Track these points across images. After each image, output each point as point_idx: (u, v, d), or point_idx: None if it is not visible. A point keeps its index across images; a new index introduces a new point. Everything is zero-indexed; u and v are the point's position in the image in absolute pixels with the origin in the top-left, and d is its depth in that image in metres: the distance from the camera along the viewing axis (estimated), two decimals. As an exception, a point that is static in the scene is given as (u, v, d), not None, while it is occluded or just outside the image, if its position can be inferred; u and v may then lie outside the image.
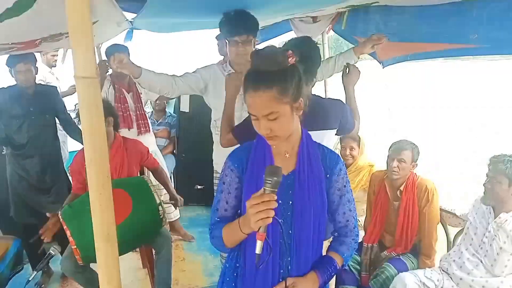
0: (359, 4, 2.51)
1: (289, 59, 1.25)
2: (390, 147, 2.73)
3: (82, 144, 2.83)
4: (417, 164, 2.68)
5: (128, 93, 3.62)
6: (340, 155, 3.37)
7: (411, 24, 2.30)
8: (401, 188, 2.68)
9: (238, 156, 1.45)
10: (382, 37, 2.34)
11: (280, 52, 1.26)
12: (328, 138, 2.18)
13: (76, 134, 3.30)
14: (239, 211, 1.47)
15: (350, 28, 2.87)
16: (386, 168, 2.75)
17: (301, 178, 1.38)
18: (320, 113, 2.13)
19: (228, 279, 1.49)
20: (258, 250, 1.19)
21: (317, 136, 2.14)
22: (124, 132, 3.46)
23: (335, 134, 2.31)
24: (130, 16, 2.76)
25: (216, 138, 2.51)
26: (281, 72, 1.24)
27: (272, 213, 1.15)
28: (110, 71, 3.50)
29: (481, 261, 2.29)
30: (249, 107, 1.27)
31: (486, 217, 2.30)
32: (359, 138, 3.34)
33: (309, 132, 2.06)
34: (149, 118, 3.95)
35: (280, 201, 1.28)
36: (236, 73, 2.22)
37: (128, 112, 3.59)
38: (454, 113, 11.77)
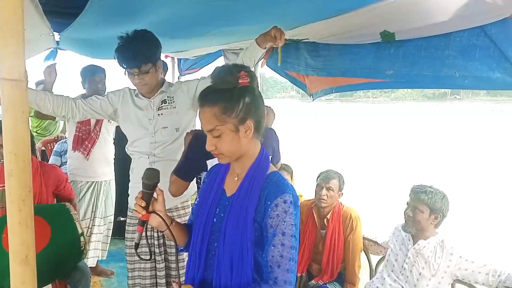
0: (289, 38, 2.64)
1: (240, 80, 1.26)
2: (318, 176, 2.82)
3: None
4: (343, 193, 2.80)
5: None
6: None
7: (336, 60, 2.48)
8: (328, 216, 2.76)
9: (212, 169, 1.55)
10: (281, 31, 2.14)
11: (232, 72, 1.27)
12: None
13: None
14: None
15: (282, 63, 2.99)
16: (313, 197, 2.84)
17: (235, 202, 1.33)
18: None
19: None
20: (136, 239, 1.39)
21: None
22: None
23: None
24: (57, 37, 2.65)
25: (132, 164, 2.42)
26: (229, 91, 1.26)
27: (140, 215, 1.36)
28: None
29: (403, 287, 2.40)
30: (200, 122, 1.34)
31: (406, 244, 2.43)
32: (292, 171, 3.42)
33: None
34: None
35: (214, 220, 1.38)
36: None
37: (87, 136, 3.42)
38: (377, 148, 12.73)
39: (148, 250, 1.56)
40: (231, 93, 1.26)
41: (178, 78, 5.22)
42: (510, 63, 1.70)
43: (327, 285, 2.72)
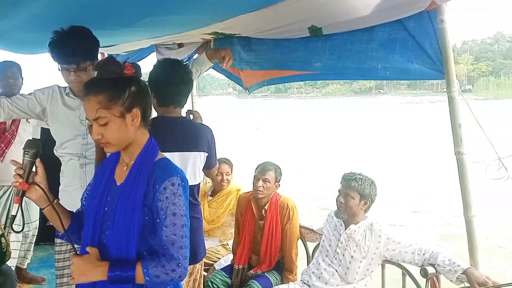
0: (222, 32, 2.65)
1: (125, 70, 1.35)
2: (256, 168, 2.87)
3: None
4: (279, 185, 2.87)
5: None
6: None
7: (268, 54, 2.55)
8: (266, 207, 2.82)
9: (102, 162, 1.55)
10: (230, 55, 2.41)
11: (116, 63, 1.36)
12: (195, 160, 2.19)
13: None
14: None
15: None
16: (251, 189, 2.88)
17: (124, 190, 1.36)
18: (190, 135, 2.16)
19: None
20: (13, 211, 1.37)
21: (183, 157, 2.16)
22: None
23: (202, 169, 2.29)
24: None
25: (62, 167, 2.28)
26: (113, 80, 1.32)
27: (17, 184, 1.35)
28: None
29: (336, 270, 2.51)
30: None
31: (338, 229, 2.55)
32: (232, 164, 3.43)
33: (177, 152, 2.08)
34: None
35: (105, 209, 1.39)
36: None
37: (3, 136, 3.16)
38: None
39: (22, 223, 1.48)
40: (116, 82, 1.33)
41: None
42: (426, 55, 1.85)
43: (265, 274, 2.78)
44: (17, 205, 1.35)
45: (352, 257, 2.44)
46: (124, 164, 1.43)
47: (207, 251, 2.53)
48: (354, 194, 2.44)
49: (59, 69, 2.06)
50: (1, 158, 3.16)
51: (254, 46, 2.65)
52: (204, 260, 2.51)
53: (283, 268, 2.84)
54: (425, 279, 2.20)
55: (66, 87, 2.19)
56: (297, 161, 10.00)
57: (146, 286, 1.33)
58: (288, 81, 2.52)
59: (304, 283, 2.63)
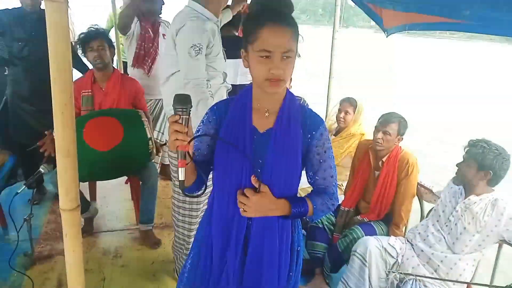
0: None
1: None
2: (379, 119, 2.76)
3: (82, 73, 2.93)
4: (402, 138, 2.72)
5: (154, 34, 3.57)
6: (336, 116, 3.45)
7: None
8: (384, 159, 2.74)
9: (218, 108, 1.44)
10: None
11: None
12: None
13: (77, 64, 3.33)
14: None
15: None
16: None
17: (277, 137, 1.35)
18: None
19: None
20: (180, 176, 1.21)
21: None
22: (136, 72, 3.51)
23: None
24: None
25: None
26: (292, 16, 1.29)
27: (185, 143, 1.17)
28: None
29: (444, 238, 2.37)
30: (265, 43, 1.21)
31: (457, 197, 2.36)
32: (356, 104, 3.36)
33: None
34: None
35: (254, 154, 1.36)
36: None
37: (149, 53, 3.55)
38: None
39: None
40: (293, 18, 1.29)
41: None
42: None
43: (371, 223, 2.77)
44: (183, 169, 1.20)
45: (464, 228, 2.26)
46: (264, 110, 1.38)
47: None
48: (471, 162, 2.20)
49: None
50: (149, 74, 3.57)
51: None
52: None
53: (391, 221, 2.78)
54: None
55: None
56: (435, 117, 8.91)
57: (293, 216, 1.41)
58: (431, 29, 2.26)
59: (408, 240, 2.56)
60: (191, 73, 2.08)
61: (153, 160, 3.00)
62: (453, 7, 1.98)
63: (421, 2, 2.22)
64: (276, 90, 1.29)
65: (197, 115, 1.80)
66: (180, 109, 1.16)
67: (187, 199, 2.40)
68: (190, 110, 1.19)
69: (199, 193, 1.40)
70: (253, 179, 1.34)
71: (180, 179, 1.21)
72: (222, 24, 2.77)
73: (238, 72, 3.29)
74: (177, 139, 1.16)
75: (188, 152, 1.22)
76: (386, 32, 2.65)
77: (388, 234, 2.74)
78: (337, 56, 4.03)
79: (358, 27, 55.81)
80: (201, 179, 1.41)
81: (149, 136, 2.78)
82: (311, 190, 1.51)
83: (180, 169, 1.20)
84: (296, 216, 1.41)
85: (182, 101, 1.17)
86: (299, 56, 1.32)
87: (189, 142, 1.19)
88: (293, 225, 1.48)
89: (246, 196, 1.33)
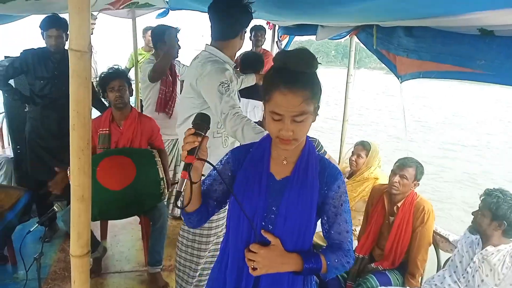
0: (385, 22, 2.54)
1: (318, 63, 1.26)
2: (395, 162, 2.73)
3: (100, 112, 3.00)
4: (419, 184, 2.68)
5: (172, 78, 3.69)
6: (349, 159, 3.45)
7: (428, 41, 2.33)
8: (399, 204, 2.69)
9: (239, 152, 1.46)
10: None
11: (313, 56, 1.24)
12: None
13: (96, 103, 3.41)
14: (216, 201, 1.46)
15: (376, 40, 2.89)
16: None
17: (293, 186, 1.34)
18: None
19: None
20: (178, 187, 1.23)
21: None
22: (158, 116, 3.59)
23: None
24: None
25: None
26: (313, 74, 1.24)
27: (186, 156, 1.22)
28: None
29: (462, 290, 2.28)
30: (276, 106, 1.21)
31: (474, 247, 2.29)
32: (370, 148, 3.35)
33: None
34: None
35: (269, 201, 1.35)
36: None
37: (171, 97, 3.66)
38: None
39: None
40: (314, 76, 1.25)
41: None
42: None
43: (386, 272, 2.68)
44: (184, 179, 1.23)
45: (482, 281, 2.18)
46: (282, 158, 1.38)
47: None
48: (485, 212, 2.16)
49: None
50: (170, 114, 3.68)
51: (416, 32, 2.44)
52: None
53: (407, 270, 2.69)
54: None
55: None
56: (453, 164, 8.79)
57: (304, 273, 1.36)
58: (445, 77, 2.25)
59: (424, 292, 2.47)
60: (226, 107, 2.08)
61: (164, 200, 3.00)
62: (468, 57, 1.99)
63: (434, 52, 2.24)
64: (288, 148, 1.30)
65: (245, 140, 1.94)
66: (195, 124, 1.25)
67: (197, 238, 2.37)
68: (206, 129, 1.26)
69: (191, 226, 1.44)
70: (263, 232, 1.33)
71: (177, 189, 1.24)
72: (243, 87, 3.08)
73: (247, 110, 3.49)
74: (184, 148, 1.22)
75: (192, 165, 1.23)
76: (400, 79, 2.67)
77: (403, 285, 2.65)
78: (350, 99, 4.10)
79: (369, 69, 56.73)
80: (204, 213, 1.43)
81: (161, 176, 2.79)
82: (326, 245, 1.47)
83: (181, 179, 1.23)
84: (309, 273, 1.37)
85: (199, 117, 1.27)
86: (318, 115, 1.29)
87: (198, 159, 1.24)
88: (305, 281, 1.43)
89: (254, 252, 1.31)
